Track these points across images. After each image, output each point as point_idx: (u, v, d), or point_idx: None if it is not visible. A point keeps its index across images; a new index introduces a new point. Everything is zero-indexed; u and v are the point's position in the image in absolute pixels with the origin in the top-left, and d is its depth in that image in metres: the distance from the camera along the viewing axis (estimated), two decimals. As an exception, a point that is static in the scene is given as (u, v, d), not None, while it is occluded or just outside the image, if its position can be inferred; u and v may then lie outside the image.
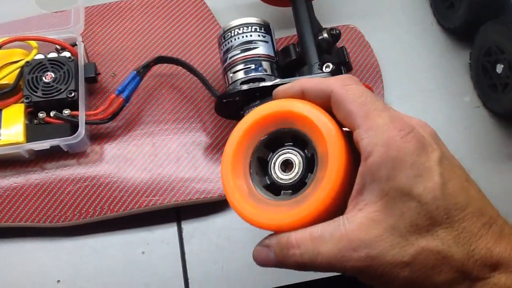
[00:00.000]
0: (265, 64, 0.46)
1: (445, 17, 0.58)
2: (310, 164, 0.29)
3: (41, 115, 0.47)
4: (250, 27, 0.47)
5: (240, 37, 0.46)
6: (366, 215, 0.26)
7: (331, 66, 0.44)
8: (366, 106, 0.27)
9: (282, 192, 0.30)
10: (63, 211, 0.47)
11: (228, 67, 0.46)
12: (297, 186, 0.29)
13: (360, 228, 0.25)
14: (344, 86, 0.28)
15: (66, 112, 0.47)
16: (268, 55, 0.46)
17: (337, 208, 0.28)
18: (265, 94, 0.44)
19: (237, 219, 0.49)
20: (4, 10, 0.56)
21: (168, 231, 0.49)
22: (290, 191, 0.30)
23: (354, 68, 0.55)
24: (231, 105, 0.46)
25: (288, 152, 0.30)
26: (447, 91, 0.56)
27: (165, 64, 0.53)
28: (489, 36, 0.52)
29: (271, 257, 0.28)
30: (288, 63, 0.48)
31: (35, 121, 0.48)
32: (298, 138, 0.30)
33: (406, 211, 0.25)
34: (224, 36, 0.47)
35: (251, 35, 0.46)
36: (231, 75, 0.46)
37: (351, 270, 0.26)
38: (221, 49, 0.48)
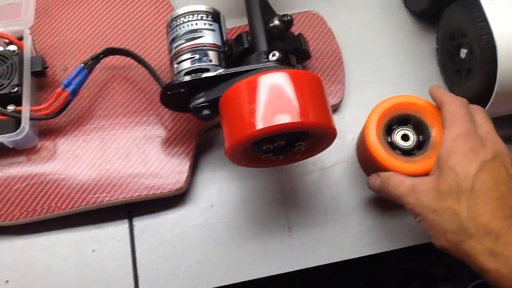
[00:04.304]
0: (211, 54, 0.44)
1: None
2: (419, 141, 0.44)
3: (-16, 111, 0.46)
4: (196, 15, 0.45)
5: (186, 26, 0.44)
6: (431, 177, 0.40)
7: (277, 54, 0.42)
8: (455, 117, 0.41)
9: (397, 151, 0.44)
10: (10, 209, 0.46)
11: (174, 57, 0.45)
12: (408, 152, 0.44)
13: (422, 184, 0.40)
14: (450, 102, 0.42)
15: (11, 107, 0.46)
16: (214, 44, 0.44)
17: None
18: (210, 85, 0.42)
19: (190, 215, 0.48)
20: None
21: (119, 228, 0.48)
22: (401, 152, 0.44)
23: (315, 55, 0.53)
24: (176, 96, 0.44)
25: (408, 130, 0.44)
26: (414, 76, 0.54)
27: (118, 56, 0.52)
28: (452, 20, 0.49)
29: (377, 183, 0.43)
30: (241, 52, 0.46)
31: (-21, 118, 0.47)
32: (415, 123, 0.44)
33: (448, 179, 0.38)
34: (171, 25, 0.45)
35: (196, 24, 0.44)
36: (176, 65, 0.44)
37: (406, 204, 0.40)
38: (168, 39, 0.46)
